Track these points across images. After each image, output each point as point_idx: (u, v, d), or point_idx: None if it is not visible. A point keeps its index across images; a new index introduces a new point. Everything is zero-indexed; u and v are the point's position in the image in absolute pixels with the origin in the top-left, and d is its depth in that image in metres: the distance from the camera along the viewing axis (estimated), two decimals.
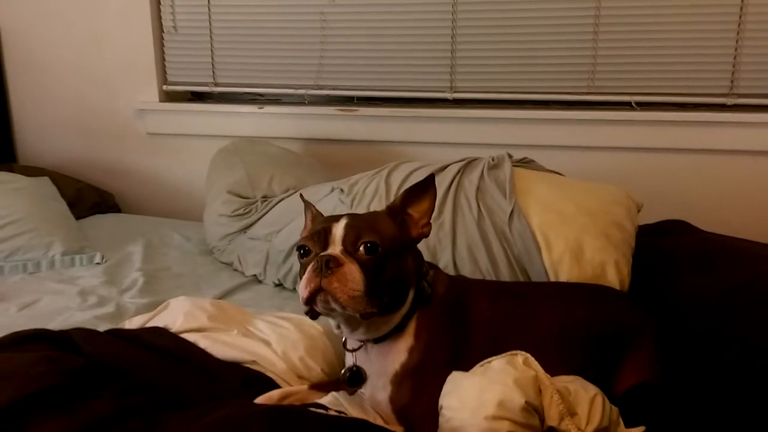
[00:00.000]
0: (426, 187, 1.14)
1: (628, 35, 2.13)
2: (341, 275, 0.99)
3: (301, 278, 1.04)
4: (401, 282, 1.09)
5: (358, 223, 1.07)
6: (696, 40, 2.09)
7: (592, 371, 1.14)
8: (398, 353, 1.10)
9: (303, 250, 1.08)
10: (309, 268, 1.02)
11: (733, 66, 2.08)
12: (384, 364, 1.11)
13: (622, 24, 2.13)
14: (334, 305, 1.01)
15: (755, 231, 1.78)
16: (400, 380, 1.09)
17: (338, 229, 1.06)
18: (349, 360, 1.16)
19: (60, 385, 1.02)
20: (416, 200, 1.14)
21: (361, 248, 1.03)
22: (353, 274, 1.00)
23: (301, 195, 1.33)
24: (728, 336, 1.22)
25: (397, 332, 1.11)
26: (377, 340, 1.11)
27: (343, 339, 1.17)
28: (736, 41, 2.06)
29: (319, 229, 1.07)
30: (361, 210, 1.66)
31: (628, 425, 1.07)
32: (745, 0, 2.03)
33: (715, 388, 1.13)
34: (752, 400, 1.06)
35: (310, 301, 1.01)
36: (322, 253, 1.03)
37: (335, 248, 1.04)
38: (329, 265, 1.00)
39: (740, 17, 2.05)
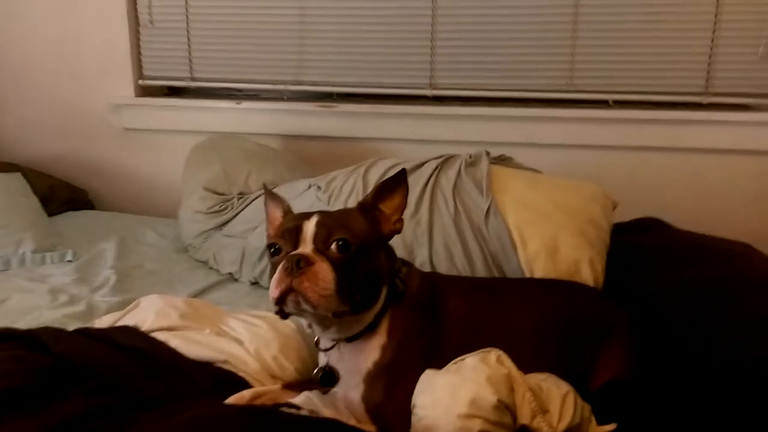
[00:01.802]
0: (397, 183, 1.14)
1: (606, 34, 2.15)
2: (312, 274, 0.98)
3: (271, 277, 1.02)
4: (373, 279, 1.08)
5: (329, 221, 1.06)
6: (672, 39, 2.11)
7: (566, 368, 1.15)
8: (371, 351, 1.09)
9: (273, 249, 1.07)
10: (280, 267, 1.00)
11: (709, 65, 2.10)
12: (357, 362, 1.10)
13: (601, 23, 2.14)
14: (305, 306, 0.99)
15: (729, 228, 1.80)
16: (372, 379, 1.09)
17: (309, 227, 1.04)
18: (322, 360, 1.15)
19: (27, 384, 1.00)
20: (387, 196, 1.13)
21: (333, 246, 1.02)
22: (324, 273, 0.99)
23: (264, 186, 1.29)
24: (702, 332, 1.23)
25: (369, 330, 1.10)
26: (350, 339, 1.11)
27: (316, 338, 1.16)
28: (712, 41, 2.09)
29: (290, 227, 1.06)
30: (338, 207, 1.65)
31: (601, 422, 1.07)
32: (720, 0, 2.05)
33: (689, 384, 1.14)
34: (726, 395, 1.07)
35: (280, 301, 1.00)
36: (293, 252, 1.01)
37: (306, 247, 1.03)
38: (300, 265, 0.98)
39: (716, 17, 2.07)
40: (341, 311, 1.01)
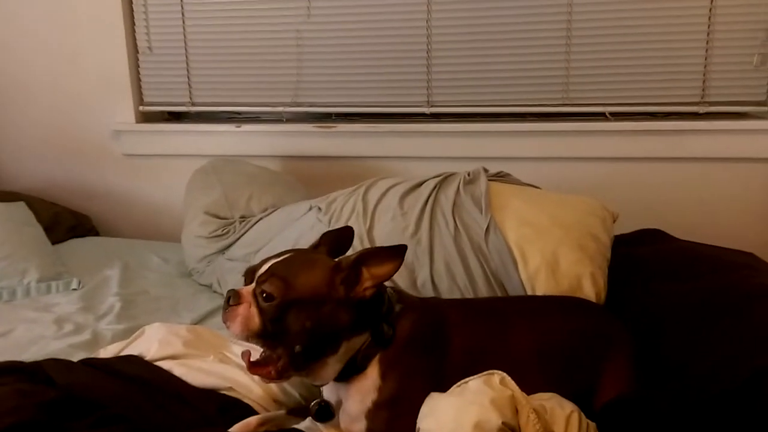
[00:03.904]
0: (395, 255, 1.08)
1: (600, 47, 2.16)
2: (234, 314, 1.04)
3: None
4: (319, 336, 1.06)
5: (278, 269, 1.07)
6: (667, 50, 2.12)
7: (570, 386, 1.14)
8: (368, 393, 1.09)
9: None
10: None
11: (704, 75, 2.11)
12: (354, 401, 1.10)
13: (594, 36, 2.15)
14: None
15: (731, 237, 1.80)
16: (373, 415, 1.09)
17: (263, 269, 1.08)
18: (324, 393, 1.16)
19: (32, 419, 1.01)
20: (378, 262, 1.08)
21: (261, 295, 1.05)
22: (244, 317, 1.04)
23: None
24: (705, 345, 1.22)
25: (357, 373, 1.10)
26: (340, 379, 1.11)
27: None
28: (706, 50, 2.09)
29: (255, 265, 1.11)
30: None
31: None
32: (713, 10, 2.06)
33: (693, 399, 1.13)
34: (729, 410, 1.07)
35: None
36: (231, 288, 1.08)
37: (250, 286, 1.08)
38: (230, 302, 1.05)
39: (709, 27, 2.08)
40: (281, 362, 1.06)
